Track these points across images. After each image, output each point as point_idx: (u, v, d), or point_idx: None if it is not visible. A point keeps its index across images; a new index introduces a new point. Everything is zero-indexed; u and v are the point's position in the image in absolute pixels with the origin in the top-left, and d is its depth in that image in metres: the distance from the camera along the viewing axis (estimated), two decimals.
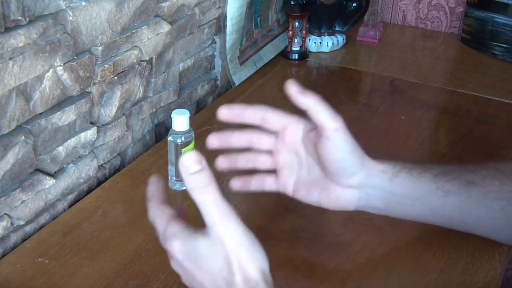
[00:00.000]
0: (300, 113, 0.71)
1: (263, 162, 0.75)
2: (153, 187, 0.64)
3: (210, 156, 0.96)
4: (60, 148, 0.82)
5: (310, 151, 0.72)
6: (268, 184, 0.76)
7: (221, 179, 0.84)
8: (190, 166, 0.57)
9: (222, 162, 0.76)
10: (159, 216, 0.61)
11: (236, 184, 0.77)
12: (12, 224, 0.78)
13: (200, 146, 0.94)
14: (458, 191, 0.71)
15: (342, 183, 0.72)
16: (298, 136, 0.73)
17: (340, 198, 0.72)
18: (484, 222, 0.74)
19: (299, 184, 0.74)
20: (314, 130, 0.71)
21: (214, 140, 0.74)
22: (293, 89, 0.70)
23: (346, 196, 0.72)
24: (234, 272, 0.56)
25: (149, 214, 0.62)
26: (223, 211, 0.56)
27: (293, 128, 0.73)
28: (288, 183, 0.75)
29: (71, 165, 0.86)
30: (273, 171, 0.76)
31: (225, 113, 0.71)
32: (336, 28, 1.39)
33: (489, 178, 0.72)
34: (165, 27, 0.96)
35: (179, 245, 0.58)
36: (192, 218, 0.82)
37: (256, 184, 0.76)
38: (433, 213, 0.73)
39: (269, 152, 0.75)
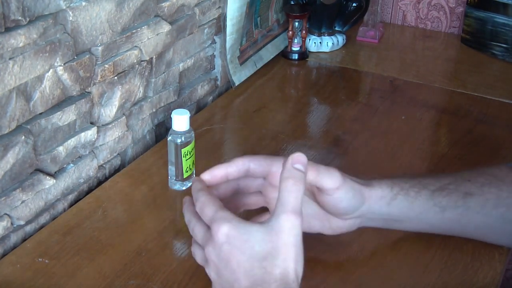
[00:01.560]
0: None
1: (254, 202, 0.73)
2: (199, 183, 0.66)
3: (210, 156, 0.97)
4: (60, 148, 0.82)
5: (305, 192, 0.71)
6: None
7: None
8: (297, 163, 0.61)
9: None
10: (212, 202, 0.62)
11: None
12: (12, 224, 0.78)
13: (200, 146, 0.94)
14: (456, 205, 0.72)
15: (345, 218, 0.72)
16: None
17: (342, 228, 0.73)
18: (484, 230, 0.74)
19: None
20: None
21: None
22: (288, 170, 0.64)
23: (348, 225, 0.73)
24: (277, 264, 0.57)
25: (198, 202, 0.63)
26: (298, 207, 0.59)
27: (279, 173, 0.68)
28: None
29: (71, 165, 0.86)
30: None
31: (208, 179, 0.68)
32: (336, 28, 1.39)
33: (486, 186, 0.73)
34: (165, 27, 0.96)
35: (228, 227, 0.59)
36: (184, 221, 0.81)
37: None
38: (432, 227, 0.75)
39: (259, 193, 0.73)
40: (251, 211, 0.73)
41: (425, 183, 0.73)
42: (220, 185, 0.70)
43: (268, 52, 1.28)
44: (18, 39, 0.70)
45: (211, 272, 0.62)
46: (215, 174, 0.68)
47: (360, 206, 0.71)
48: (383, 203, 0.72)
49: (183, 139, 0.85)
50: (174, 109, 0.87)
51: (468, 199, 0.72)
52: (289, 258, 0.57)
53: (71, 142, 0.84)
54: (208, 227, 0.62)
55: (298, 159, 0.61)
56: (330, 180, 0.67)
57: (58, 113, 0.80)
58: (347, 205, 0.70)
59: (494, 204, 0.72)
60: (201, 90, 1.13)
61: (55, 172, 0.83)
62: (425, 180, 0.74)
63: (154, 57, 0.97)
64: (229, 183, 0.70)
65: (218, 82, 1.19)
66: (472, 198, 0.72)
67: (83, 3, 0.79)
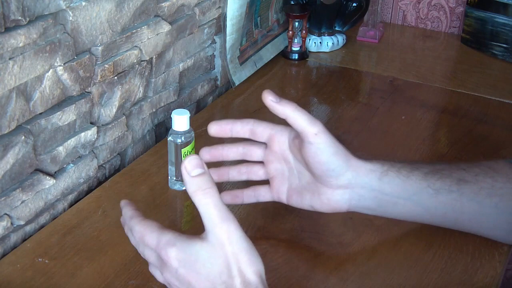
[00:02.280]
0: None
1: (255, 173, 0.77)
2: (129, 209, 0.64)
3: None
4: (60, 148, 0.82)
5: (298, 158, 0.74)
6: (262, 194, 0.78)
7: (222, 184, 0.84)
8: (192, 169, 0.58)
9: (212, 175, 0.76)
10: (148, 228, 0.60)
11: (226, 198, 0.78)
12: (12, 224, 0.78)
13: (200, 146, 0.94)
14: (450, 189, 0.72)
15: (331, 185, 0.72)
16: (284, 145, 0.74)
17: (331, 200, 0.73)
18: (479, 220, 0.74)
19: (292, 190, 0.75)
20: (298, 137, 0.71)
21: (205, 154, 0.76)
22: (268, 99, 0.70)
23: (337, 197, 0.73)
24: (233, 276, 0.56)
25: (134, 232, 0.62)
26: (224, 214, 0.57)
27: (279, 137, 0.74)
28: (281, 191, 0.76)
29: (71, 165, 0.86)
30: (266, 182, 0.77)
31: (215, 128, 0.74)
32: (336, 28, 1.39)
33: (481, 176, 0.72)
34: (165, 27, 0.96)
35: (175, 251, 0.58)
36: (185, 222, 0.82)
37: (250, 196, 0.78)
38: (426, 211, 0.74)
39: (261, 163, 0.77)
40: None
41: (417, 165, 0.74)
42: (224, 148, 0.74)
43: (268, 52, 1.28)
44: (18, 39, 0.70)
45: None
46: (221, 124, 0.73)
47: (344, 170, 0.71)
48: (373, 177, 0.72)
49: (183, 139, 0.85)
50: (174, 109, 0.87)
51: (462, 185, 0.72)
52: (243, 265, 0.56)
53: (71, 142, 0.84)
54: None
55: (191, 164, 0.58)
56: (311, 124, 0.69)
57: (58, 113, 0.80)
58: (327, 160, 0.70)
59: (488, 193, 0.72)
60: (201, 90, 1.13)
61: (55, 172, 0.83)
62: (417, 163, 0.75)
63: (154, 57, 0.97)
64: (233, 146, 0.75)
65: (218, 82, 1.19)
66: (466, 184, 0.72)
67: (83, 3, 0.79)
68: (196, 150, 0.88)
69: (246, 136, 0.75)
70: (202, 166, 0.58)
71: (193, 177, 0.58)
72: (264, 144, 0.76)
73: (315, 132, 0.69)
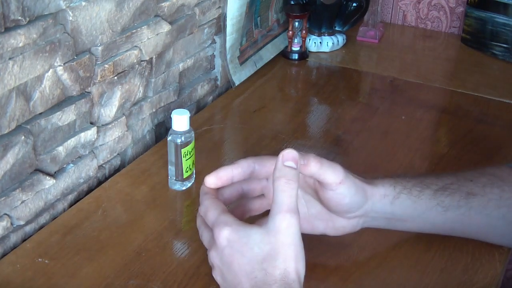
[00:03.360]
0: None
1: (258, 207, 0.73)
2: (206, 186, 0.67)
3: (210, 156, 0.97)
4: (60, 148, 0.82)
5: (308, 191, 0.72)
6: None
7: None
8: (287, 160, 0.61)
9: None
10: (215, 206, 0.63)
11: None
12: (12, 224, 0.78)
13: (200, 146, 0.94)
14: (458, 204, 0.72)
15: (348, 216, 0.72)
16: None
17: (346, 227, 0.73)
18: (486, 230, 0.74)
19: (300, 220, 0.73)
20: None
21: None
22: (293, 164, 0.64)
23: (352, 225, 0.73)
24: (276, 265, 0.57)
25: (202, 206, 0.64)
26: (293, 206, 0.59)
27: None
28: None
29: (71, 165, 0.86)
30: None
31: (213, 181, 0.68)
32: (336, 28, 1.39)
33: (488, 187, 0.73)
34: (165, 27, 0.96)
35: (229, 231, 0.59)
36: (185, 222, 0.82)
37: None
38: (434, 227, 0.75)
39: (262, 196, 0.73)
40: (255, 217, 0.72)
41: (427, 182, 0.73)
42: (225, 189, 0.70)
43: (268, 52, 1.28)
44: (18, 39, 0.70)
45: (217, 276, 0.63)
46: (220, 176, 0.68)
47: (363, 203, 0.71)
48: (386, 202, 0.72)
49: (183, 139, 0.85)
50: (174, 109, 0.87)
51: (471, 199, 0.72)
52: (288, 258, 0.57)
53: (71, 142, 0.84)
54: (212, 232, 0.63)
55: (289, 156, 0.61)
56: (332, 173, 0.67)
57: (58, 113, 0.80)
58: (349, 201, 0.69)
59: (496, 204, 0.72)
60: (201, 90, 1.13)
61: (55, 172, 0.83)
62: (427, 179, 0.74)
63: (154, 57, 0.97)
64: (234, 187, 0.70)
65: (218, 82, 1.19)
66: (475, 198, 0.72)
67: (83, 3, 0.79)
68: (196, 150, 0.88)
69: (247, 177, 0.70)
70: (297, 162, 0.61)
71: (286, 166, 0.60)
72: (265, 179, 0.72)
73: (339, 181, 0.67)
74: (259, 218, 0.70)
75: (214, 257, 0.61)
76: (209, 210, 0.63)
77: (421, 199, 0.72)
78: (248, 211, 0.72)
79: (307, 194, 0.72)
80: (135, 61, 0.92)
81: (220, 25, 1.13)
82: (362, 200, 0.70)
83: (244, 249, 0.58)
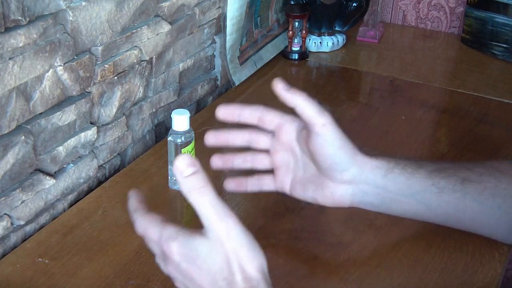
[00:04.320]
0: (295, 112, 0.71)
1: (260, 161, 0.77)
2: (134, 200, 0.64)
3: (210, 156, 0.97)
4: (60, 148, 0.82)
5: (304, 149, 0.73)
6: (266, 183, 0.77)
7: (220, 179, 0.84)
8: (184, 169, 0.57)
9: (216, 162, 0.77)
10: (151, 222, 0.60)
11: (230, 185, 0.78)
12: (12, 224, 0.78)
13: (200, 146, 0.94)
14: (454, 188, 0.72)
15: (336, 179, 0.72)
16: (292, 135, 0.74)
17: (334, 194, 0.73)
18: (480, 220, 0.74)
19: (296, 182, 0.75)
20: (306, 128, 0.71)
21: (211, 138, 0.76)
22: (279, 87, 0.70)
23: (340, 192, 0.73)
24: (234, 272, 0.56)
25: (137, 225, 0.61)
26: (221, 211, 0.57)
27: (288, 127, 0.74)
28: (285, 181, 0.76)
29: (71, 165, 0.86)
30: (270, 171, 0.77)
31: (223, 112, 0.73)
32: (336, 28, 1.39)
33: (485, 176, 0.72)
34: (165, 27, 0.96)
35: (177, 246, 0.58)
36: (185, 222, 0.82)
37: (253, 184, 0.77)
38: (429, 209, 0.74)
39: (267, 152, 0.76)
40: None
41: (422, 163, 0.74)
42: (231, 133, 0.73)
43: (268, 52, 1.28)
44: (18, 39, 0.70)
45: (181, 286, 0.61)
46: (230, 108, 0.73)
47: (350, 165, 0.71)
48: (378, 174, 0.72)
49: (183, 139, 0.85)
50: (174, 109, 0.87)
51: (466, 185, 0.72)
52: (243, 261, 0.56)
53: (71, 142, 0.84)
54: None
55: (183, 164, 0.57)
56: (319, 115, 0.69)
57: (58, 113, 0.80)
58: (333, 153, 0.70)
59: (492, 193, 0.72)
60: (201, 90, 1.13)
61: (55, 172, 0.83)
62: (422, 162, 0.75)
63: (154, 57, 0.97)
64: (240, 133, 0.74)
65: (218, 82, 1.19)
66: (471, 184, 0.72)
67: (83, 3, 0.79)
68: (196, 150, 0.88)
69: (254, 123, 0.74)
70: (195, 164, 0.57)
71: (186, 176, 0.57)
72: (271, 133, 0.75)
73: (323, 123, 0.69)
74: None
75: (172, 271, 0.60)
76: (148, 228, 0.61)
77: (416, 177, 0.72)
78: (250, 161, 0.76)
79: (304, 155, 0.74)
80: (135, 61, 0.92)
81: (220, 25, 1.13)
82: (347, 160, 0.71)
83: (198, 262, 0.57)
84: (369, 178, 0.72)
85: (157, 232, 0.59)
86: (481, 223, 0.74)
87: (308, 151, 0.73)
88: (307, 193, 0.74)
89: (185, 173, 0.57)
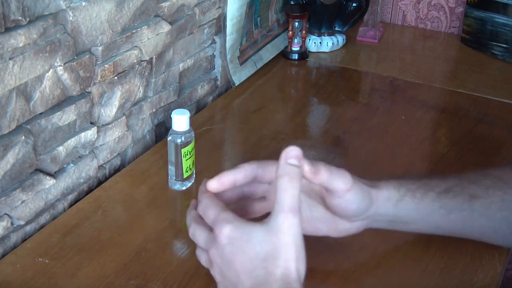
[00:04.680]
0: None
1: (259, 209, 0.72)
2: (204, 186, 0.67)
3: (210, 156, 0.96)
4: (60, 148, 0.82)
5: (312, 195, 0.71)
6: None
7: None
8: (292, 157, 0.60)
9: None
10: (214, 204, 0.63)
11: None
12: (12, 224, 0.78)
13: (200, 146, 0.94)
14: (461, 207, 0.72)
15: (352, 220, 0.71)
16: None
17: (349, 230, 0.73)
18: (487, 233, 0.74)
19: (303, 222, 0.72)
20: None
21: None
22: (305, 169, 0.64)
23: (355, 227, 0.72)
24: (278, 265, 0.57)
25: (201, 203, 0.64)
26: (295, 206, 0.58)
27: None
28: None
29: (71, 165, 0.86)
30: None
31: (215, 186, 0.67)
32: (336, 28, 1.39)
33: (491, 189, 0.72)
34: (165, 27, 0.96)
35: (230, 228, 0.59)
36: (185, 222, 0.82)
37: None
38: (437, 229, 0.74)
39: (263, 198, 0.72)
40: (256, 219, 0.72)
41: (431, 185, 0.73)
42: (226, 191, 0.69)
43: (268, 52, 1.28)
44: (18, 39, 0.70)
45: (215, 274, 0.62)
46: (223, 181, 0.67)
47: (369, 208, 0.70)
48: (389, 205, 0.71)
49: (183, 139, 0.85)
50: (174, 109, 0.87)
51: (474, 202, 0.72)
52: (289, 258, 0.57)
53: (71, 142, 0.84)
54: (210, 230, 0.63)
55: (292, 153, 0.60)
56: (342, 181, 0.66)
57: (58, 113, 0.80)
58: (356, 207, 0.69)
59: (499, 207, 0.72)
60: (201, 90, 1.13)
61: (55, 172, 0.83)
62: (431, 182, 0.74)
63: (154, 57, 0.97)
64: (235, 189, 0.70)
65: (218, 82, 1.19)
66: (477, 200, 0.72)
67: (83, 3, 0.79)
68: (196, 150, 0.88)
69: (249, 181, 0.69)
70: (300, 160, 0.60)
71: (289, 164, 0.60)
72: (267, 183, 0.71)
73: (348, 189, 0.67)
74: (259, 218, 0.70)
75: (214, 255, 0.61)
76: (209, 208, 0.63)
77: (424, 202, 0.72)
78: (249, 214, 0.72)
79: (310, 198, 0.72)
80: (135, 61, 0.92)
81: (220, 25, 1.13)
82: (368, 205, 0.70)
83: (246, 247, 0.58)
84: (381, 210, 0.71)
85: (216, 213, 0.62)
86: (489, 236, 0.75)
87: (314, 196, 0.70)
88: (320, 232, 0.73)
89: (290, 160, 0.60)
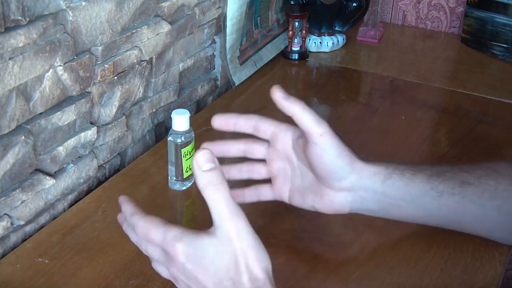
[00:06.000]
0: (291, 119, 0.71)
1: (257, 171, 0.76)
2: (129, 205, 0.64)
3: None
4: (60, 148, 0.82)
5: (301, 158, 0.73)
6: (263, 193, 0.77)
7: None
8: (203, 164, 0.57)
9: None
10: (153, 224, 0.60)
11: None
12: (12, 224, 0.78)
13: (200, 147, 0.94)
14: (453, 192, 0.72)
15: (334, 187, 0.72)
16: (288, 144, 0.74)
17: (333, 202, 0.73)
18: (480, 222, 0.74)
19: (294, 190, 0.75)
20: (303, 136, 0.71)
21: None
22: (277, 95, 0.70)
23: (339, 200, 0.73)
24: (241, 272, 0.56)
25: (138, 228, 0.61)
26: (234, 210, 0.57)
27: (283, 136, 0.74)
28: (283, 190, 0.76)
29: (71, 165, 0.86)
30: (267, 180, 0.77)
31: (219, 121, 0.73)
32: (336, 28, 1.39)
33: (484, 178, 0.72)
34: (165, 27, 0.96)
35: (183, 246, 0.57)
36: (185, 222, 0.82)
37: (251, 195, 0.77)
38: (429, 214, 0.74)
39: (263, 161, 0.76)
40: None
41: (421, 167, 0.73)
42: (227, 144, 0.73)
43: (268, 52, 1.28)
44: (18, 39, 0.70)
45: None
46: (225, 117, 0.72)
47: (348, 173, 0.71)
48: (377, 180, 0.71)
49: (183, 139, 0.85)
50: (174, 109, 0.87)
51: (465, 188, 0.72)
52: (250, 261, 0.56)
53: (71, 142, 0.84)
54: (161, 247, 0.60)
55: (202, 159, 0.58)
56: (317, 124, 0.68)
57: (58, 113, 0.80)
58: (331, 161, 0.70)
59: (491, 195, 0.72)
60: (201, 90, 1.13)
61: (55, 172, 0.83)
62: (421, 165, 0.74)
63: (154, 57, 0.97)
64: (235, 143, 0.74)
65: (218, 82, 1.19)
66: (469, 187, 0.72)
67: (83, 3, 0.79)
68: (196, 150, 0.88)
69: (249, 131, 0.74)
70: (213, 160, 0.58)
71: (204, 171, 0.57)
72: (267, 142, 0.75)
73: (321, 132, 0.68)
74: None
75: (176, 273, 0.59)
76: (149, 230, 0.60)
77: (414, 182, 0.72)
78: (247, 171, 0.76)
79: (301, 163, 0.73)
80: (135, 61, 0.92)
81: (220, 25, 1.13)
82: (346, 168, 0.71)
83: (204, 262, 0.57)
84: (367, 184, 0.72)
85: (161, 233, 0.59)
86: (481, 225, 0.74)
87: (305, 159, 0.72)
88: (306, 202, 0.74)
89: (203, 167, 0.57)
